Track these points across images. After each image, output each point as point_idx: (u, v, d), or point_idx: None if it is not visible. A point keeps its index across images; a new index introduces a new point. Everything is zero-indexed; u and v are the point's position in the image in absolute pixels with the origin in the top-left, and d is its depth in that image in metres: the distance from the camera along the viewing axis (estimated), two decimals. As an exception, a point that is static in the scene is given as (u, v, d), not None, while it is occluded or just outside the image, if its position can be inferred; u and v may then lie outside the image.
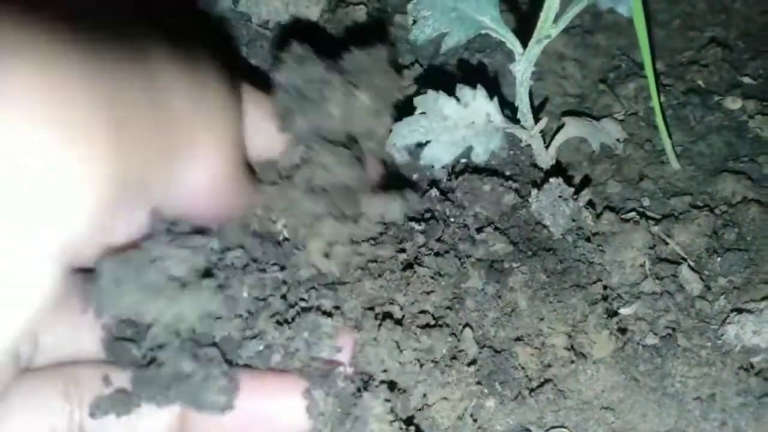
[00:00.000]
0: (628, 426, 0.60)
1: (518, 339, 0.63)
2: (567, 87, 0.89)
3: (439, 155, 0.66)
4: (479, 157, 0.66)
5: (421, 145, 0.66)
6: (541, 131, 0.73)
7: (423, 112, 0.66)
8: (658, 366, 0.62)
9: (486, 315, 0.63)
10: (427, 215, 0.69)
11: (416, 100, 0.66)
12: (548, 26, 0.62)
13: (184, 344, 0.51)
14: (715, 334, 0.64)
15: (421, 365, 0.58)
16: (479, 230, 0.68)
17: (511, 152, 0.77)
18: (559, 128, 0.78)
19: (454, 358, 0.61)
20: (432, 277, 0.64)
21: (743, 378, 0.60)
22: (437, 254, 0.65)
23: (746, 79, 0.87)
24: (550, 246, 0.69)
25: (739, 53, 0.91)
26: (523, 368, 0.61)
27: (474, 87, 0.66)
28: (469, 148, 0.66)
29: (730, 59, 0.90)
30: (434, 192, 0.70)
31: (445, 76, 0.90)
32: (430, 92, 0.66)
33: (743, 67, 0.89)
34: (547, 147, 0.76)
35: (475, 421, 0.60)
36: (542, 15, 0.62)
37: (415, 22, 0.68)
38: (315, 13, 0.91)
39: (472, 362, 0.61)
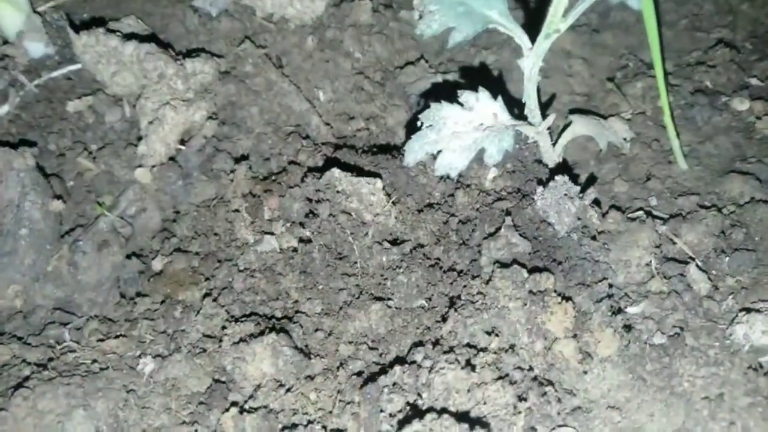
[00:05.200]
0: (635, 426, 0.59)
1: (522, 337, 0.62)
2: (574, 85, 0.88)
3: (453, 162, 0.65)
4: (493, 158, 0.65)
5: (435, 157, 0.66)
6: (548, 128, 0.72)
7: (430, 125, 0.65)
8: (665, 365, 0.61)
9: (484, 313, 0.63)
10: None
11: (421, 116, 0.66)
12: (557, 20, 0.62)
13: None
14: (724, 333, 0.63)
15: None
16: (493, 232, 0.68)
17: (517, 146, 0.76)
18: (566, 126, 0.78)
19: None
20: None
21: (752, 378, 0.59)
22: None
23: (754, 81, 0.87)
24: (555, 244, 0.68)
25: (747, 54, 0.90)
26: (529, 367, 0.61)
27: (476, 90, 0.66)
28: (482, 151, 0.65)
29: (737, 60, 0.89)
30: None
31: (451, 74, 0.90)
32: (433, 104, 0.65)
33: (751, 68, 0.88)
34: (553, 145, 0.75)
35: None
36: (551, 9, 0.61)
37: (421, 17, 0.67)
38: (320, 7, 0.90)
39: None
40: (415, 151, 0.66)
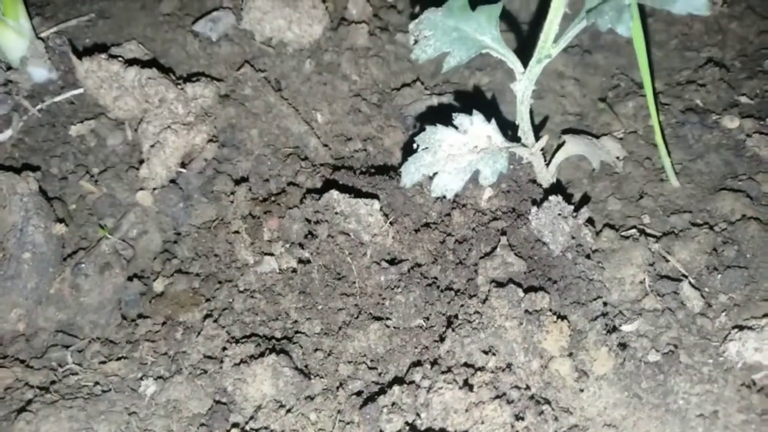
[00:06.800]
0: (631, 443, 0.60)
1: (518, 356, 0.63)
2: (567, 105, 0.90)
3: (449, 184, 0.66)
4: (488, 179, 0.66)
5: (431, 179, 0.67)
6: (542, 149, 0.73)
7: (426, 148, 0.67)
8: (660, 383, 0.62)
9: (481, 332, 0.64)
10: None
11: (417, 139, 0.67)
12: (548, 46, 0.63)
13: None
14: (717, 351, 0.64)
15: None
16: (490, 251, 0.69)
17: (511, 167, 0.78)
18: (559, 146, 0.79)
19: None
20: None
21: (745, 395, 0.60)
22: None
23: (743, 99, 0.88)
24: (550, 263, 0.69)
25: (736, 73, 0.92)
26: (526, 386, 0.61)
27: (470, 113, 0.67)
28: (477, 172, 0.67)
29: (727, 79, 0.91)
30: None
31: (446, 95, 0.91)
32: (428, 127, 0.67)
33: (740, 86, 0.90)
34: (547, 165, 0.76)
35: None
36: (542, 35, 0.63)
37: (416, 42, 0.69)
38: (318, 32, 0.92)
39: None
40: (411, 173, 0.68)
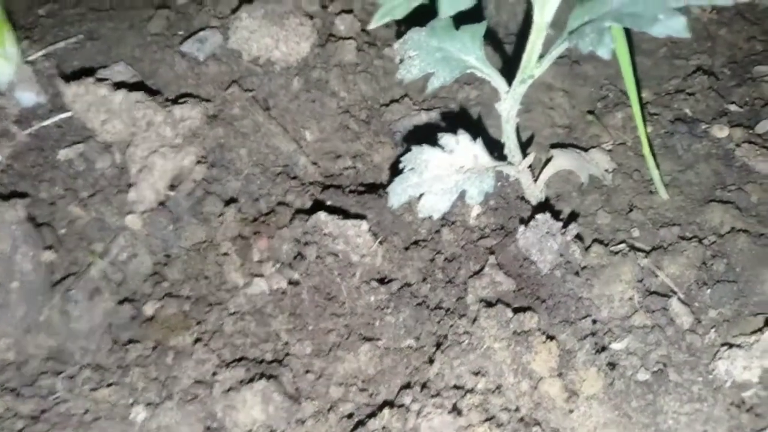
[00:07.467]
0: (621, 464, 0.60)
1: (508, 377, 0.63)
2: (555, 118, 0.90)
3: (435, 205, 0.66)
4: (474, 199, 0.66)
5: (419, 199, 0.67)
6: (530, 165, 0.73)
7: (412, 168, 0.67)
8: (650, 402, 0.62)
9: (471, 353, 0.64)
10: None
11: (403, 159, 0.67)
12: (532, 66, 0.63)
13: None
14: (706, 368, 0.63)
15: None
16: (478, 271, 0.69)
17: (499, 183, 0.78)
18: (547, 161, 0.79)
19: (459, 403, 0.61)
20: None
21: (734, 414, 0.60)
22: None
23: (732, 107, 0.88)
24: (539, 281, 0.69)
25: (725, 81, 0.92)
26: (516, 408, 0.61)
27: (455, 132, 0.67)
28: (463, 192, 0.66)
29: (716, 87, 0.91)
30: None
31: (435, 110, 0.91)
32: (414, 148, 0.67)
33: (729, 94, 0.90)
34: (535, 180, 0.76)
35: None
36: (525, 56, 0.63)
37: (401, 61, 0.69)
38: (305, 49, 0.92)
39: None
40: (398, 194, 0.68)
